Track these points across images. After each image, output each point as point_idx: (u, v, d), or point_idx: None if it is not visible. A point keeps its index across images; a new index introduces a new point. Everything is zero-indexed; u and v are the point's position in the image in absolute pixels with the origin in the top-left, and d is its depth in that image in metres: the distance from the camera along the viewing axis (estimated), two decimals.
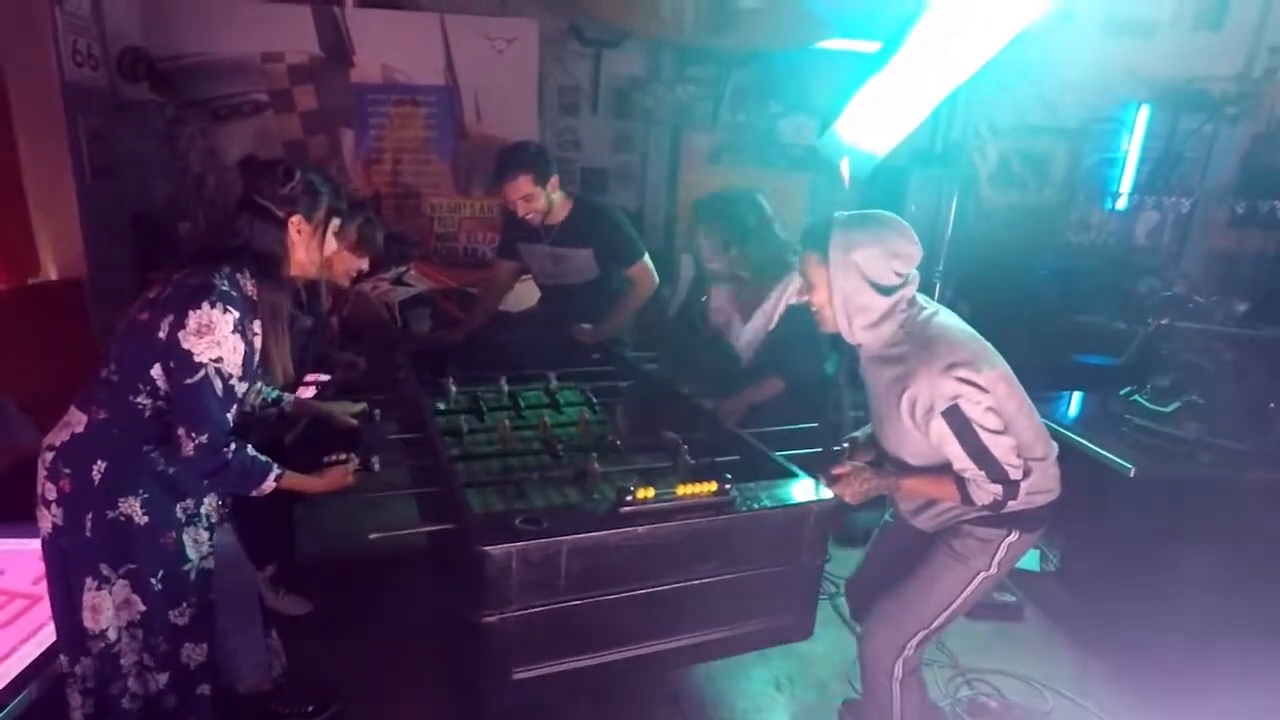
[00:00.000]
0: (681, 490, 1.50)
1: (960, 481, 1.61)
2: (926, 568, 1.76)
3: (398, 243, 4.48)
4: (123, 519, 1.53)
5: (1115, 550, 2.60)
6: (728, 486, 1.53)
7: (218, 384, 1.48)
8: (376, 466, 1.78)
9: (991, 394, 1.56)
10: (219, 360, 1.48)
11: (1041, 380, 1.70)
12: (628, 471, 1.88)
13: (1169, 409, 2.69)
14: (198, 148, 4.25)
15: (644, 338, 3.21)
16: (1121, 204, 5.30)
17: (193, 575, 1.64)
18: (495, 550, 1.35)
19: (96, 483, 1.51)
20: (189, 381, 1.46)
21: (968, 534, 1.72)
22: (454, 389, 2.37)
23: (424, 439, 1.90)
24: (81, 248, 3.42)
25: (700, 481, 1.52)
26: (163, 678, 1.64)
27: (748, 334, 2.50)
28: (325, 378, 2.72)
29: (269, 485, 1.60)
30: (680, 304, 5.19)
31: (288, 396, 1.99)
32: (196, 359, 1.46)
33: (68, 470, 1.51)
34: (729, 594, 1.58)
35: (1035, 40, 3.53)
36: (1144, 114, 5.13)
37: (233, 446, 1.53)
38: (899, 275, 1.62)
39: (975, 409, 1.54)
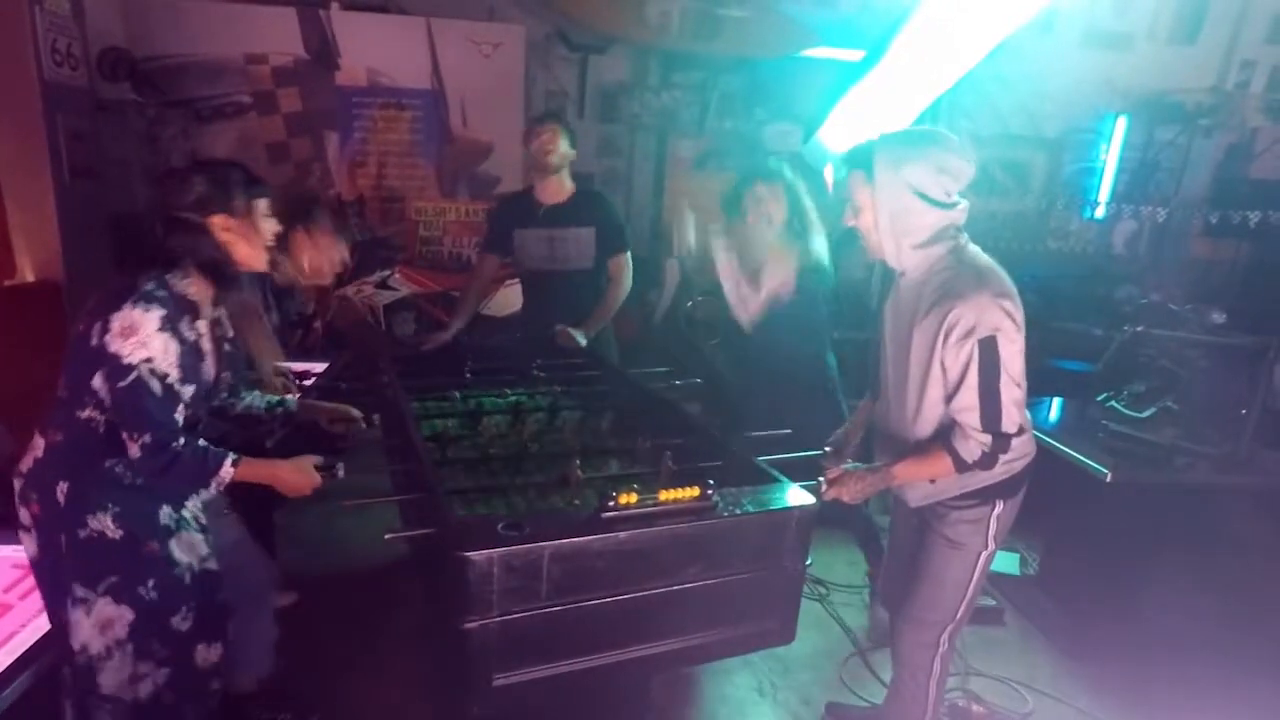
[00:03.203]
0: (664, 495, 1.50)
1: (950, 449, 1.60)
2: (932, 565, 1.78)
3: (382, 246, 4.47)
4: (95, 535, 1.50)
5: (1093, 554, 2.64)
6: (710, 491, 1.53)
7: (154, 384, 1.44)
8: (340, 473, 1.73)
9: (1022, 338, 1.57)
10: (149, 360, 1.44)
11: None
12: (610, 476, 1.88)
13: (1145, 415, 2.73)
14: (179, 149, 4.20)
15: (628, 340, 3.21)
16: (1100, 213, 5.38)
17: (188, 579, 1.60)
18: (477, 556, 1.34)
19: (63, 504, 1.49)
20: (122, 384, 1.43)
21: (957, 520, 1.73)
22: (437, 394, 2.36)
23: (406, 444, 1.89)
24: (59, 249, 3.38)
25: (682, 486, 1.53)
26: (162, 674, 1.60)
27: (753, 303, 2.53)
28: (314, 374, 2.67)
29: (227, 472, 1.54)
30: (666, 309, 5.20)
31: (290, 400, 1.95)
32: (125, 361, 1.42)
33: (35, 494, 1.52)
34: (711, 599, 1.58)
35: (1016, 51, 3.59)
36: (1121, 125, 5.23)
37: (181, 440, 1.49)
38: (949, 194, 1.59)
39: (1009, 348, 1.54)
